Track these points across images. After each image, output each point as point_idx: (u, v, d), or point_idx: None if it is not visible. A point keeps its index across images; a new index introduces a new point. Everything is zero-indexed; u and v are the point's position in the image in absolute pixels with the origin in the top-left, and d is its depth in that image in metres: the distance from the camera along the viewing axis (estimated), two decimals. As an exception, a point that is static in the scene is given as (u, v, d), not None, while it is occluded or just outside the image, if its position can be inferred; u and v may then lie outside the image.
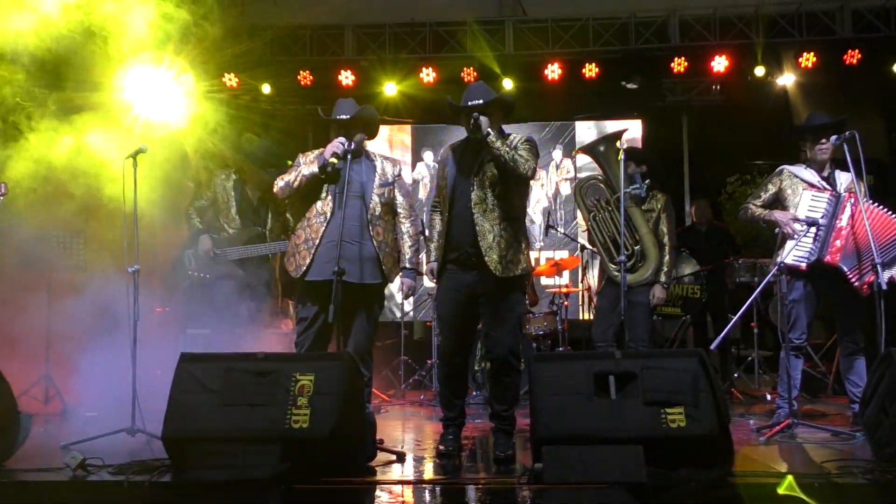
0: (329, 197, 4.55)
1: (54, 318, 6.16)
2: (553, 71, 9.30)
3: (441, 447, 4.36)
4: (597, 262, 6.08)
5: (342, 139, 4.52)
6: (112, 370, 5.41)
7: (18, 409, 4.09)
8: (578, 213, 5.94)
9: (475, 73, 9.26)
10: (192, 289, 5.86)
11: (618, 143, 5.83)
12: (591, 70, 9.25)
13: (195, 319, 5.93)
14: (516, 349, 4.39)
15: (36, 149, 5.80)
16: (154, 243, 6.02)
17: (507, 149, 4.25)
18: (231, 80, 9.37)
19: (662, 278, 5.63)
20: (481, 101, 4.36)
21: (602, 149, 5.78)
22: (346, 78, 9.45)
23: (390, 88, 9.59)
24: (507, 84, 9.35)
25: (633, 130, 10.50)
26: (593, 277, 7.15)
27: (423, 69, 9.38)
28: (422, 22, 9.63)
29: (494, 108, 4.44)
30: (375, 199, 4.63)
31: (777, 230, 5.19)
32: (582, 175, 9.50)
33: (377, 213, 4.64)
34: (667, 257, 5.65)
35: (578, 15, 9.48)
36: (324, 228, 4.51)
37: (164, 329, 6.67)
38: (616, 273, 5.58)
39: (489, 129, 4.25)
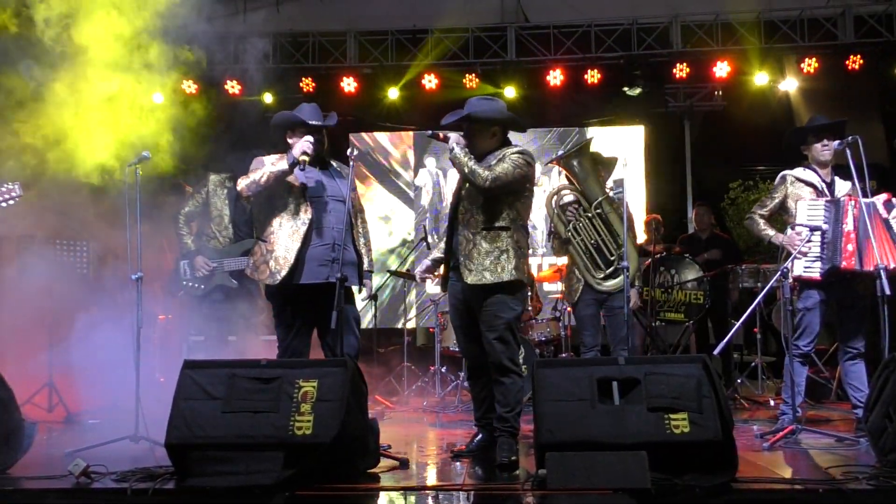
0: (307, 202, 4.54)
1: (57, 326, 6.17)
2: (555, 77, 9.32)
3: (455, 448, 4.61)
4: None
5: (310, 139, 4.49)
6: (115, 377, 5.42)
7: (22, 416, 4.10)
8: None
9: (477, 80, 9.28)
10: (188, 299, 5.84)
11: (590, 150, 5.90)
12: (593, 76, 9.29)
13: (195, 327, 5.93)
14: (509, 353, 4.41)
15: (38, 153, 5.82)
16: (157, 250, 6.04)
17: (466, 161, 4.36)
18: (233, 87, 9.41)
19: (636, 283, 5.75)
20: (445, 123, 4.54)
21: (575, 161, 5.79)
22: (349, 85, 9.47)
23: (392, 95, 9.62)
24: (510, 91, 9.37)
25: (635, 136, 10.53)
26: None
27: (426, 76, 9.40)
28: (424, 29, 9.66)
29: (479, 126, 4.52)
30: (350, 203, 4.66)
31: None
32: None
33: (353, 217, 4.72)
34: (636, 261, 5.78)
35: (580, 21, 9.51)
36: (304, 231, 4.48)
37: (167, 336, 6.68)
38: (600, 280, 5.61)
39: (454, 145, 4.40)
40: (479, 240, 4.38)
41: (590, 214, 5.69)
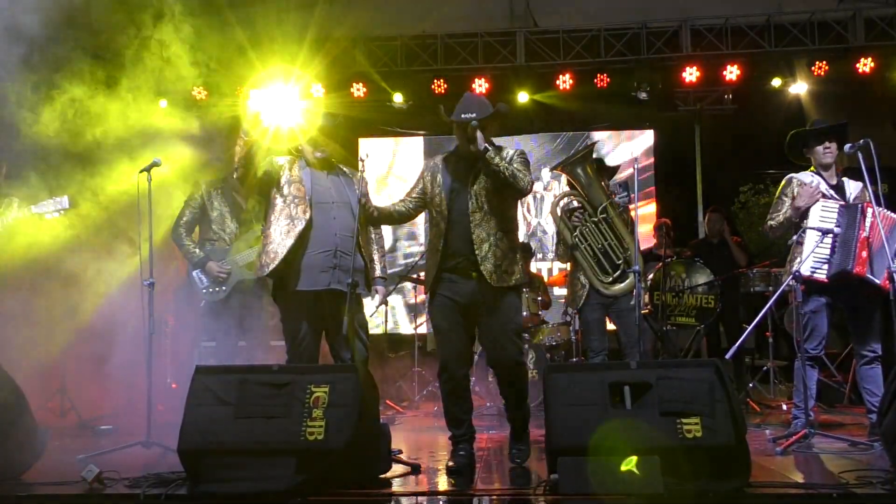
0: (307, 204, 4.50)
1: (70, 332, 6.19)
2: (565, 81, 9.30)
3: (451, 463, 4.26)
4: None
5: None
6: (127, 383, 5.43)
7: (36, 422, 4.12)
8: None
9: (487, 86, 9.27)
10: (210, 305, 5.83)
11: (594, 156, 5.91)
12: (602, 80, 9.26)
13: (211, 333, 5.93)
14: (520, 355, 4.46)
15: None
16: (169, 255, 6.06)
17: (506, 164, 4.23)
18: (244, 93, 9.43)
19: (643, 285, 5.74)
20: (474, 115, 4.26)
21: (579, 167, 5.80)
22: (358, 90, 9.49)
23: (400, 99, 9.62)
24: (521, 96, 9.36)
25: (645, 140, 10.52)
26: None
27: (435, 81, 9.40)
28: (433, 34, 9.66)
29: (490, 121, 4.37)
30: (358, 209, 4.50)
31: (789, 241, 5.18)
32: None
33: (363, 223, 4.63)
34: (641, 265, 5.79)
35: (590, 25, 9.49)
36: (300, 230, 4.45)
37: (179, 342, 6.70)
38: (608, 285, 5.62)
39: (486, 145, 4.22)
40: (494, 241, 4.27)
41: (595, 219, 5.70)
